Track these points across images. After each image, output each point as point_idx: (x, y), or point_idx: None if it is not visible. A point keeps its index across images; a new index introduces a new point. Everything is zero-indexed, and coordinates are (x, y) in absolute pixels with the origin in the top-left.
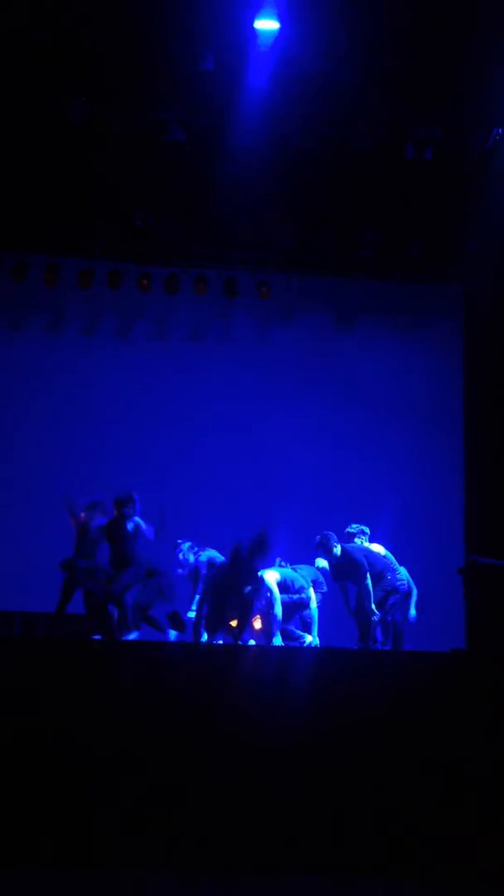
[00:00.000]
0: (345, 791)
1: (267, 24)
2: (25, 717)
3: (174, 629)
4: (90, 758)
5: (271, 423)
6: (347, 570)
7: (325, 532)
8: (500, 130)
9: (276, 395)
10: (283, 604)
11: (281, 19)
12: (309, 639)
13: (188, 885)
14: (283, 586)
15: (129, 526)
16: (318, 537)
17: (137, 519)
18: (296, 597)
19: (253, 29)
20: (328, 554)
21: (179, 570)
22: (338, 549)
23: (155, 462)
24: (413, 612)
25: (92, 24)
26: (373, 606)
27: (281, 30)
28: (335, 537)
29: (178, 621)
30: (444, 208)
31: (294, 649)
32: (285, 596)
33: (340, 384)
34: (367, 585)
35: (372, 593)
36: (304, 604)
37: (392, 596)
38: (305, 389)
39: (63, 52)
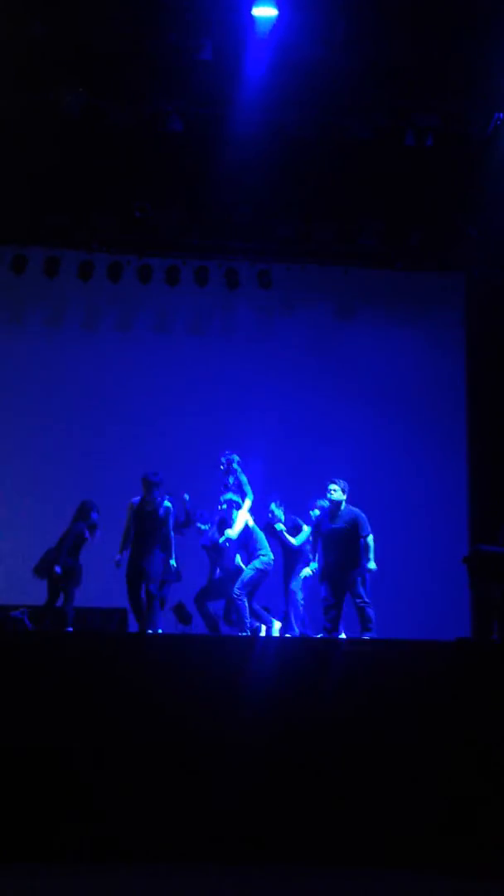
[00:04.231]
0: (349, 781)
1: (265, 12)
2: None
3: (180, 622)
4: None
5: (273, 413)
6: None
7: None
8: (501, 116)
9: (278, 385)
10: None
11: (279, 6)
12: (277, 625)
13: (186, 876)
14: (242, 541)
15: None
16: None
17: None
18: (260, 561)
19: (251, 16)
20: None
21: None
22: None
23: (157, 454)
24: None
25: (88, 15)
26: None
27: (279, 17)
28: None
29: (183, 614)
30: (445, 195)
31: (298, 640)
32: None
33: (342, 373)
34: None
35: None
36: (266, 571)
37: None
38: (307, 379)
39: (59, 43)
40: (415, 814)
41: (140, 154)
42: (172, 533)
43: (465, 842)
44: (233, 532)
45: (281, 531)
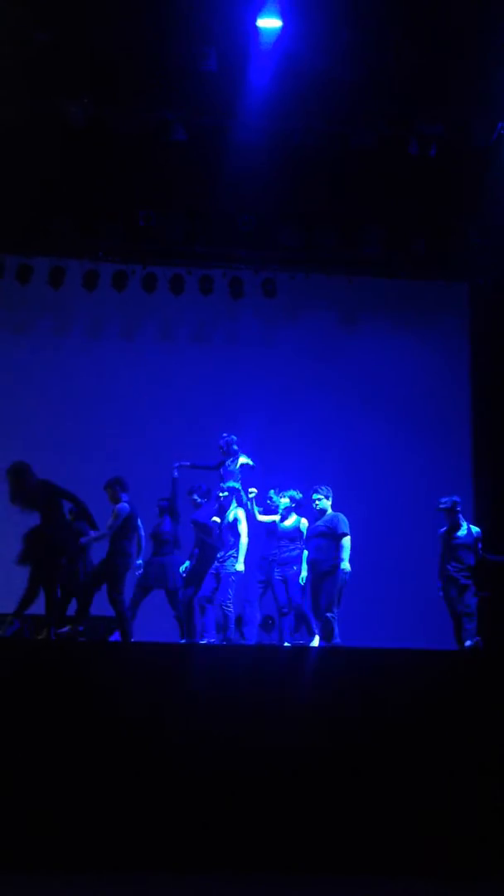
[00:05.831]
0: (350, 789)
1: (269, 23)
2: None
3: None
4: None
5: (278, 422)
6: None
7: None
8: None
9: (282, 393)
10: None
11: (283, 17)
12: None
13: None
14: (230, 527)
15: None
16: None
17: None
18: (239, 563)
19: (255, 27)
20: None
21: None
22: None
23: (161, 463)
24: None
25: (93, 25)
26: None
27: (283, 28)
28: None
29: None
30: (449, 204)
31: (306, 648)
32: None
33: (346, 383)
34: None
35: None
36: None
37: None
38: (312, 387)
39: (64, 52)
40: (416, 821)
41: (144, 163)
42: (140, 532)
43: (465, 847)
44: (229, 519)
45: (251, 501)
